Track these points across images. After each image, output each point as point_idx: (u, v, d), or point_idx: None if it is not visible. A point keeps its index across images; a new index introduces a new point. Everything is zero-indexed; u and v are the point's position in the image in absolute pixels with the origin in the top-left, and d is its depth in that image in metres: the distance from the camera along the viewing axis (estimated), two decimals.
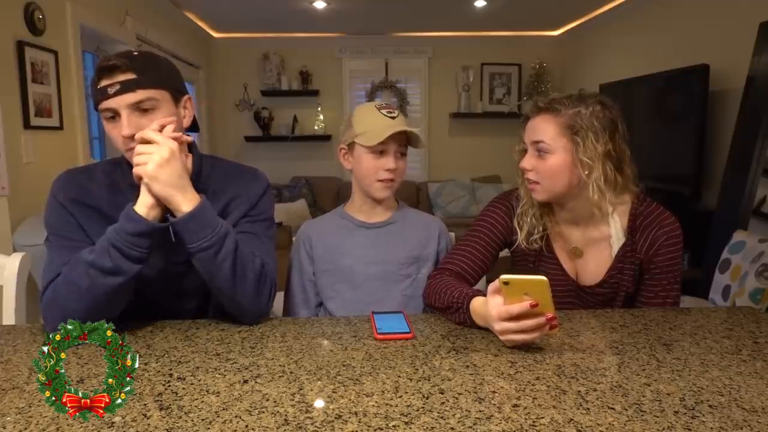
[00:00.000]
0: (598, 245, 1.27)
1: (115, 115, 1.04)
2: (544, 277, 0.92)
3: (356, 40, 5.64)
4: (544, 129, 1.18)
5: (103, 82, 1.03)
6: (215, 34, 5.51)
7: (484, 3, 4.36)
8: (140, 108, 1.04)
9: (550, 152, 1.17)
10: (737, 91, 2.95)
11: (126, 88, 1.03)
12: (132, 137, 1.03)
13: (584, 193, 1.19)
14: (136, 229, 1.00)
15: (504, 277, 0.94)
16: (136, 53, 1.07)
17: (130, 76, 1.03)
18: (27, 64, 2.36)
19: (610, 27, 4.63)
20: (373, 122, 1.32)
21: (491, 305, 0.98)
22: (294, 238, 1.48)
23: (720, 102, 3.22)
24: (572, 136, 1.16)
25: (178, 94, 1.12)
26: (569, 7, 4.62)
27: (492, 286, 0.99)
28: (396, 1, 4.34)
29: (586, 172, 1.16)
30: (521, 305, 0.93)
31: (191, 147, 1.16)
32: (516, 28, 5.42)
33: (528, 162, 1.21)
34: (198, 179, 1.15)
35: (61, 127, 2.66)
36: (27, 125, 2.38)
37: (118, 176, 1.14)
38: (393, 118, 1.32)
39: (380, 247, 1.38)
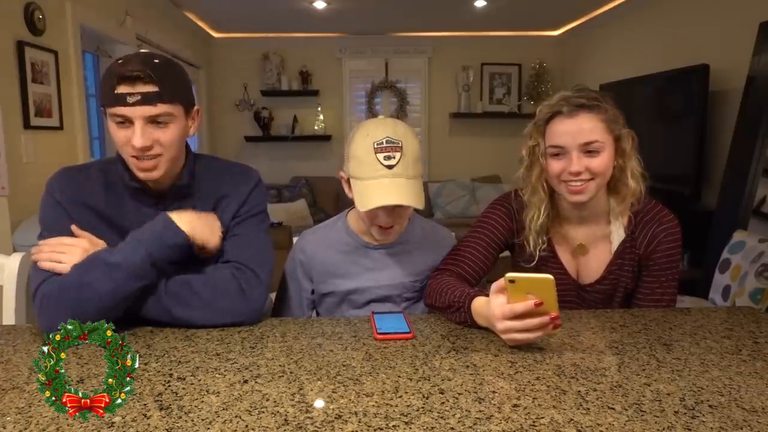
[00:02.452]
0: (600, 242, 1.27)
1: (126, 121, 1.04)
2: (550, 276, 0.92)
3: (356, 40, 5.64)
4: (594, 128, 1.14)
5: (122, 89, 1.02)
6: (215, 34, 5.50)
7: (484, 3, 4.36)
8: (155, 120, 1.05)
9: (601, 150, 1.15)
10: (737, 91, 2.95)
11: (146, 100, 1.02)
12: (143, 148, 1.04)
13: (603, 185, 1.21)
14: (176, 242, 1.06)
15: (510, 275, 0.94)
16: (157, 60, 1.06)
17: (152, 88, 1.03)
18: (27, 64, 2.36)
19: (610, 27, 4.63)
20: (366, 168, 1.15)
21: (494, 304, 0.98)
22: (291, 252, 1.38)
23: (720, 102, 3.21)
24: (617, 131, 1.17)
25: (190, 106, 1.13)
26: (569, 7, 4.62)
27: (495, 285, 0.99)
28: (396, 1, 4.33)
29: (626, 162, 1.18)
30: (525, 304, 0.93)
31: (187, 151, 1.18)
32: (516, 28, 5.41)
33: (580, 165, 1.14)
34: (191, 179, 1.17)
35: (61, 127, 2.66)
36: (27, 125, 2.38)
37: (114, 175, 1.15)
38: (390, 167, 1.13)
39: (386, 270, 1.30)
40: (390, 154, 1.13)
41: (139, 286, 1.03)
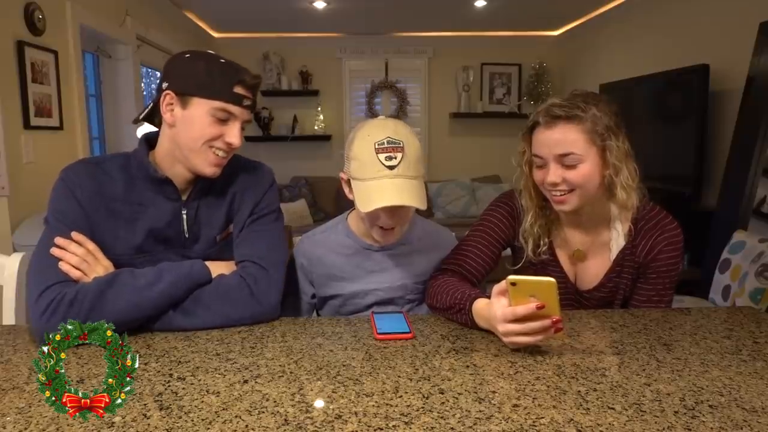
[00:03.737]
0: (600, 249, 1.26)
1: (228, 118, 1.11)
2: (552, 279, 0.91)
3: (356, 40, 5.64)
4: (572, 140, 1.12)
5: (240, 91, 1.11)
6: (215, 34, 5.51)
7: (484, 3, 4.36)
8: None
9: (579, 162, 1.12)
10: (737, 91, 2.95)
11: (251, 107, 1.15)
12: (234, 147, 1.13)
13: (601, 193, 1.18)
14: (201, 280, 1.10)
15: (511, 277, 0.93)
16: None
17: (253, 98, 1.15)
18: (27, 64, 2.36)
19: (610, 27, 4.63)
20: (367, 169, 1.13)
21: (496, 307, 0.97)
22: (293, 252, 1.36)
23: (720, 102, 3.21)
24: (601, 141, 1.12)
25: None
26: (569, 7, 4.62)
27: (497, 287, 0.98)
28: (396, 1, 4.33)
29: (615, 174, 1.14)
30: (527, 307, 0.92)
31: None
32: (516, 28, 5.41)
33: (556, 176, 1.13)
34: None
35: (61, 127, 2.66)
36: (27, 125, 2.38)
37: (134, 170, 1.15)
38: (392, 167, 1.12)
39: (388, 272, 1.29)
40: (391, 154, 1.12)
41: (153, 314, 1.05)
